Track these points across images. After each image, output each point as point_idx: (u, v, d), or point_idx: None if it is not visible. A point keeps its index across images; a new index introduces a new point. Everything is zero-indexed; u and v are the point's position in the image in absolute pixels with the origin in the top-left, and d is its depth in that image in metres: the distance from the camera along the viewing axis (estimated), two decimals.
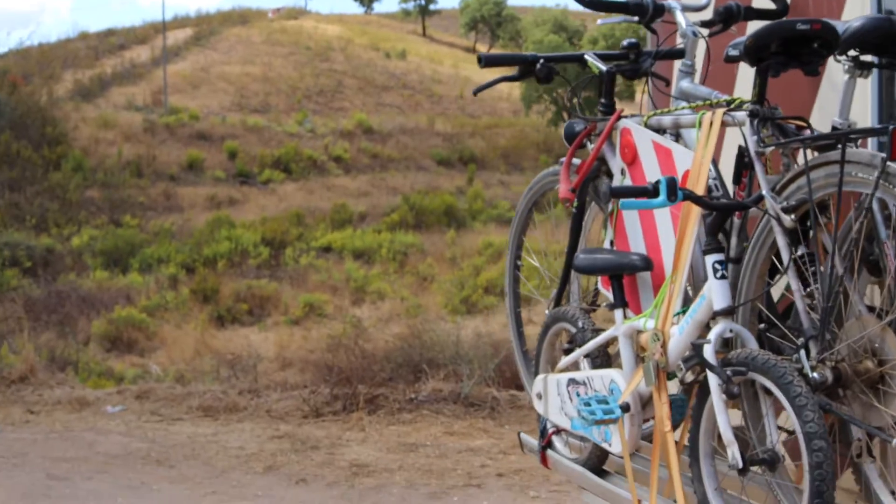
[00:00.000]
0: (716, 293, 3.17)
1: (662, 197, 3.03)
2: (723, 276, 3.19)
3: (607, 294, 3.98)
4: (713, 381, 3.15)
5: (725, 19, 3.85)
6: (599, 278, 4.18)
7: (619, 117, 4.02)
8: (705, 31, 3.93)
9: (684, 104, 3.79)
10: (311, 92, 65.32)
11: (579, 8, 4.13)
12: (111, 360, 18.76)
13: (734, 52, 3.52)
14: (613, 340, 3.83)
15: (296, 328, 22.54)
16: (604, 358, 3.90)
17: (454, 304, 23.80)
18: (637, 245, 3.90)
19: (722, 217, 3.32)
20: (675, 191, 3.04)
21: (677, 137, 3.84)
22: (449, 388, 8.14)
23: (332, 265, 29.11)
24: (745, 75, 3.86)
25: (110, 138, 46.89)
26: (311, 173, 48.47)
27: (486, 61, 4.32)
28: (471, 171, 51.00)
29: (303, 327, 22.59)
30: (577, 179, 4.15)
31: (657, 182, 3.06)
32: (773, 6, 3.88)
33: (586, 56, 4.22)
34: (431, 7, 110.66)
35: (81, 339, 19.97)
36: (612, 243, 4.08)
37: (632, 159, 3.88)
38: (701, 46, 4.01)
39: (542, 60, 4.24)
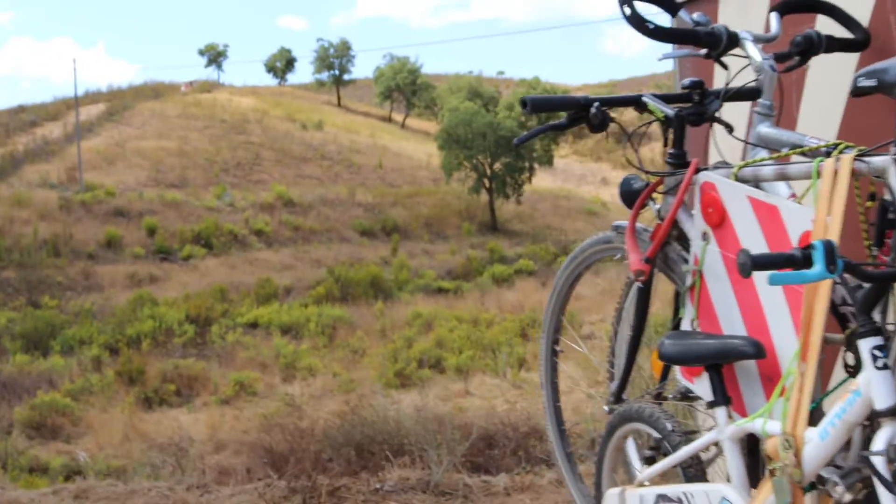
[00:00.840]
0: (878, 387, 2.51)
1: (819, 268, 2.39)
2: (885, 366, 2.54)
3: (690, 386, 3.36)
4: (889, 501, 2.46)
5: (804, 51, 3.32)
6: (678, 368, 3.48)
7: (698, 169, 3.37)
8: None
9: (764, 153, 3.20)
10: (228, 165, 64.69)
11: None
12: (36, 448, 17.95)
13: (868, 83, 2.89)
14: (711, 445, 3.17)
15: (227, 408, 21.83)
16: (697, 467, 3.25)
17: (388, 378, 23.25)
18: (733, 325, 3.24)
19: (880, 290, 2.67)
20: (833, 259, 2.41)
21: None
22: (416, 476, 7.53)
23: (259, 341, 28.42)
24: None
25: (25, 217, 45.82)
26: (233, 248, 47.76)
27: (533, 106, 3.53)
28: (394, 242, 50.63)
29: (234, 406, 21.89)
30: (653, 247, 3.49)
31: (807, 249, 2.43)
32: (849, 35, 3.40)
33: (645, 98, 3.55)
34: (345, 77, 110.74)
35: (4, 426, 19.12)
36: (692, 323, 3.42)
37: (719, 221, 3.21)
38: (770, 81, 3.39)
39: (596, 104, 3.54)
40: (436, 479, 7.27)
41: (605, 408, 3.86)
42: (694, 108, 3.48)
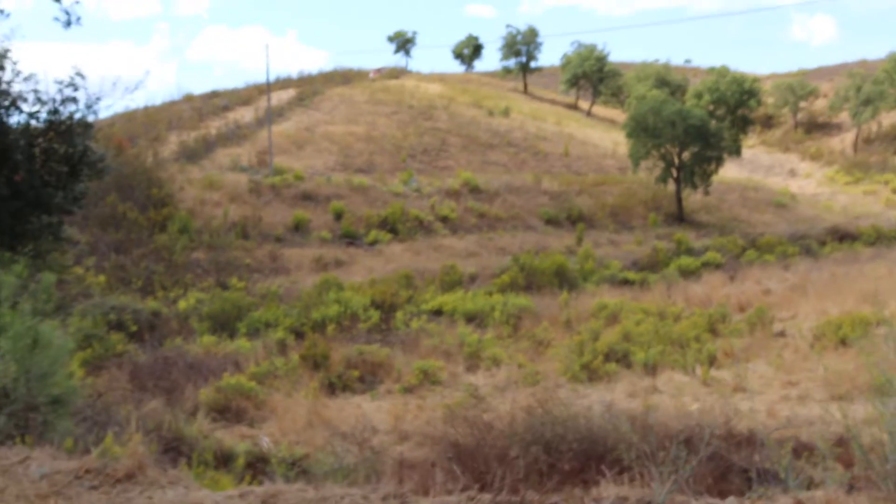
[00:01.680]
0: None
1: None
2: None
3: None
4: None
5: None
6: None
7: None
8: None
9: None
10: (415, 151, 64.91)
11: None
12: (220, 431, 17.91)
13: None
14: None
15: (410, 396, 21.53)
16: None
17: (574, 371, 22.64)
18: None
19: None
20: None
21: None
22: (636, 496, 6.92)
23: (443, 329, 28.09)
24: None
25: (216, 199, 46.67)
26: (418, 233, 47.81)
27: None
28: (580, 231, 49.97)
29: (417, 395, 21.59)
30: None
31: None
32: None
33: None
34: (532, 65, 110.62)
35: (189, 408, 19.21)
36: None
37: None
38: None
39: None
40: (659, 501, 6.63)
41: None
42: None
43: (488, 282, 36.50)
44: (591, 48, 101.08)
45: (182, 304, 31.17)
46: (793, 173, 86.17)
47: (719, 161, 58.38)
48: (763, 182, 76.05)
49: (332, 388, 22.21)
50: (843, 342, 23.54)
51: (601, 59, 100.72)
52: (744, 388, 20.45)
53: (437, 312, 31.00)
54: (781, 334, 27.21)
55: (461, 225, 50.11)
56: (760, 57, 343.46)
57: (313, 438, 17.17)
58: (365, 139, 65.33)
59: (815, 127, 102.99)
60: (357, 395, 22.01)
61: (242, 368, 22.89)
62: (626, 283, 38.06)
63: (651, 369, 22.69)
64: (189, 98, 75.04)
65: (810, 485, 9.07)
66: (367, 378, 23.05)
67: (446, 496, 7.28)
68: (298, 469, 14.93)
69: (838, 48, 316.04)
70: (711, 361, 22.86)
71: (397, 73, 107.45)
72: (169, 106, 71.20)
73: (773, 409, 18.54)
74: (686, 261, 42.37)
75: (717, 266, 42.11)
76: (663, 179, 57.26)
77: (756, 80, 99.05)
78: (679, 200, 57.69)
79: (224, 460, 14.87)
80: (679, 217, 57.08)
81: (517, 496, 6.69)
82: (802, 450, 12.28)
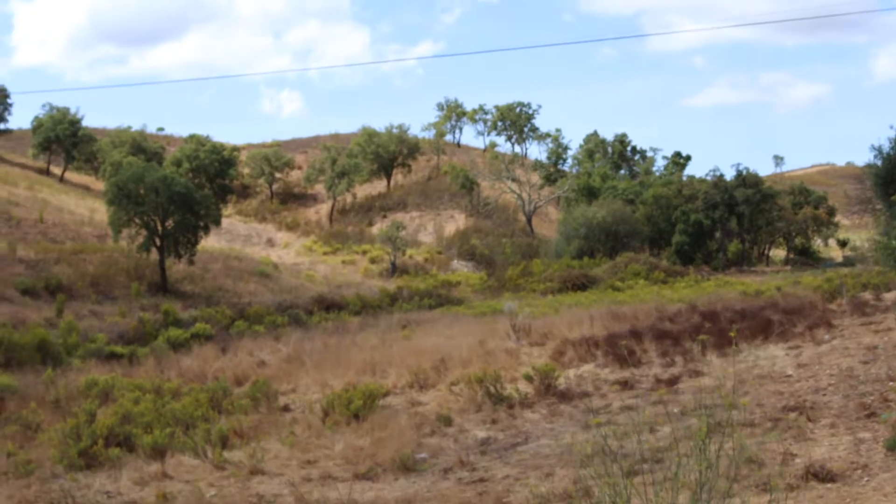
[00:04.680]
0: None
1: None
2: None
3: None
4: None
5: None
6: None
7: None
8: None
9: None
10: None
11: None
12: None
13: None
14: None
15: None
16: None
17: (72, 458, 20.50)
18: None
19: None
20: None
21: None
22: None
23: None
24: None
25: None
26: None
27: None
28: (60, 302, 46.93)
29: None
30: None
31: None
32: None
33: None
34: (1, 127, 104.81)
35: None
36: None
37: None
38: None
39: None
40: None
41: None
42: None
43: None
44: (64, 111, 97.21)
45: None
46: (271, 243, 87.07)
47: (206, 229, 57.46)
48: (244, 251, 76.03)
49: None
50: (356, 416, 23.04)
51: (75, 123, 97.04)
52: (262, 470, 19.30)
53: None
54: (286, 409, 26.45)
55: None
56: (236, 128, 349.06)
57: None
58: None
59: (292, 197, 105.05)
60: None
61: None
62: (115, 357, 36.02)
63: (158, 453, 20.99)
64: None
65: None
66: None
67: None
68: None
69: (307, 121, 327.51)
70: (223, 442, 21.52)
71: None
72: None
73: (299, 491, 17.53)
74: (175, 332, 40.87)
75: (208, 337, 40.90)
76: (146, 248, 55.44)
77: (235, 149, 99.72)
78: (163, 270, 56.07)
79: None
80: (163, 287, 55.42)
81: None
82: None
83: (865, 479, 8.98)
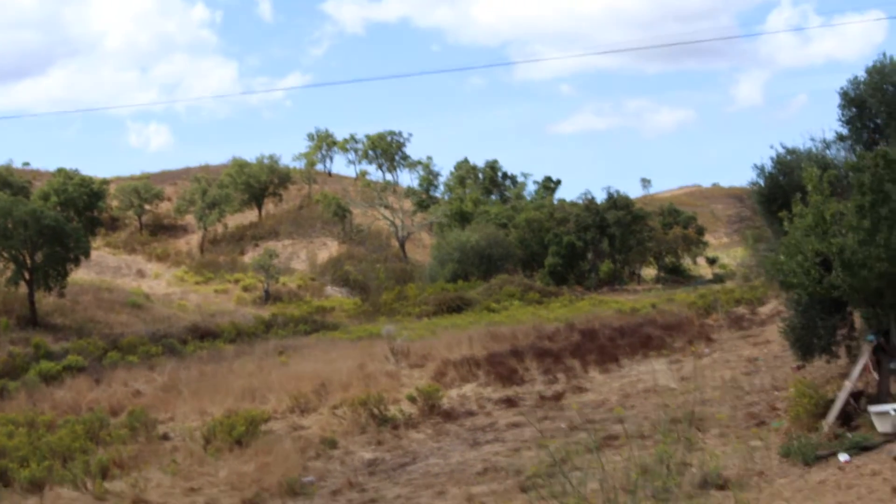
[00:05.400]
0: None
1: None
2: None
3: None
4: None
5: None
6: None
7: None
8: None
9: None
10: None
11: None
12: None
13: None
14: None
15: None
16: None
17: None
18: None
19: None
20: None
21: None
22: None
23: None
24: None
25: None
26: None
27: None
28: None
29: None
30: None
31: None
32: None
33: None
34: None
35: None
36: None
37: None
38: None
39: None
40: None
41: None
42: None
43: None
44: None
45: None
46: (142, 274, 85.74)
47: (75, 262, 56.31)
48: (114, 283, 74.75)
49: None
50: (239, 442, 22.76)
51: None
52: (144, 500, 18.97)
53: None
54: (166, 437, 26.02)
55: None
56: (101, 161, 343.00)
57: None
58: None
59: (162, 229, 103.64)
60: None
61: None
62: None
63: (36, 486, 20.46)
64: None
65: None
66: None
67: None
68: None
69: (176, 154, 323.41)
70: (103, 473, 21.06)
71: None
72: None
73: None
74: (47, 365, 39.94)
75: (81, 369, 40.06)
76: (14, 282, 54.07)
77: (104, 182, 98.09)
78: (32, 303, 54.76)
79: None
80: (33, 320, 54.14)
81: None
82: None
83: (763, 485, 9.17)
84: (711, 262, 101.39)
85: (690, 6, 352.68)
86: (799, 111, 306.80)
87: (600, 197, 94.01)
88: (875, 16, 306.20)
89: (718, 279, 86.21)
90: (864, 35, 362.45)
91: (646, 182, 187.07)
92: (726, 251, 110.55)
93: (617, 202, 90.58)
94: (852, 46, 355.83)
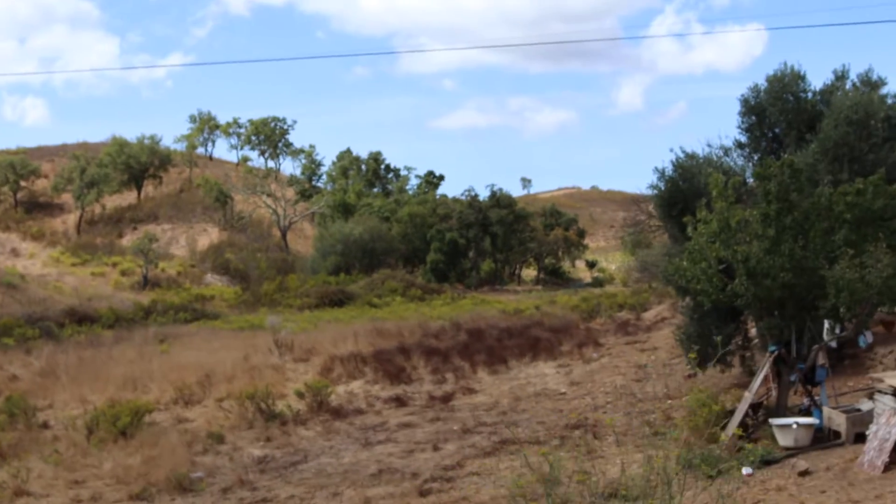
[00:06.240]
0: None
1: None
2: None
3: None
4: None
5: None
6: None
7: None
8: None
9: None
10: None
11: None
12: None
13: None
14: None
15: None
16: None
17: None
18: None
19: None
20: None
21: None
22: None
23: None
24: None
25: None
26: None
27: None
28: None
29: None
30: None
31: None
32: None
33: None
34: None
35: None
36: None
37: None
38: None
39: None
40: None
41: None
42: None
43: None
44: None
45: None
46: (16, 253, 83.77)
47: None
48: None
49: None
50: (123, 433, 22.26)
51: None
52: (27, 491, 18.41)
53: None
54: (46, 426, 25.35)
55: None
56: None
57: None
58: None
59: (37, 207, 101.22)
60: None
61: None
62: None
63: None
64: None
65: None
66: None
67: None
68: None
69: (53, 130, 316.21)
70: None
71: None
72: None
73: None
74: None
75: None
76: None
77: None
78: None
79: None
80: None
81: None
82: None
83: (667, 497, 9.18)
84: (591, 265, 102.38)
85: (576, 7, 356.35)
86: (678, 118, 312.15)
87: (483, 194, 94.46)
88: (755, 27, 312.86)
89: (598, 283, 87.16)
90: (743, 46, 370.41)
91: (526, 182, 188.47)
92: (604, 255, 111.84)
93: (500, 201, 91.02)
94: (732, 57, 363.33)
